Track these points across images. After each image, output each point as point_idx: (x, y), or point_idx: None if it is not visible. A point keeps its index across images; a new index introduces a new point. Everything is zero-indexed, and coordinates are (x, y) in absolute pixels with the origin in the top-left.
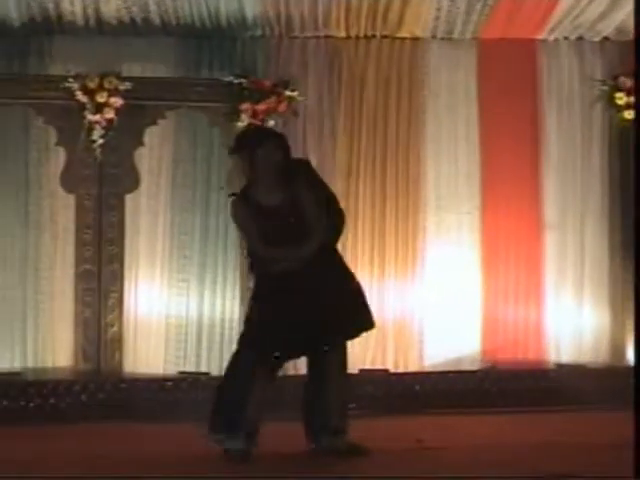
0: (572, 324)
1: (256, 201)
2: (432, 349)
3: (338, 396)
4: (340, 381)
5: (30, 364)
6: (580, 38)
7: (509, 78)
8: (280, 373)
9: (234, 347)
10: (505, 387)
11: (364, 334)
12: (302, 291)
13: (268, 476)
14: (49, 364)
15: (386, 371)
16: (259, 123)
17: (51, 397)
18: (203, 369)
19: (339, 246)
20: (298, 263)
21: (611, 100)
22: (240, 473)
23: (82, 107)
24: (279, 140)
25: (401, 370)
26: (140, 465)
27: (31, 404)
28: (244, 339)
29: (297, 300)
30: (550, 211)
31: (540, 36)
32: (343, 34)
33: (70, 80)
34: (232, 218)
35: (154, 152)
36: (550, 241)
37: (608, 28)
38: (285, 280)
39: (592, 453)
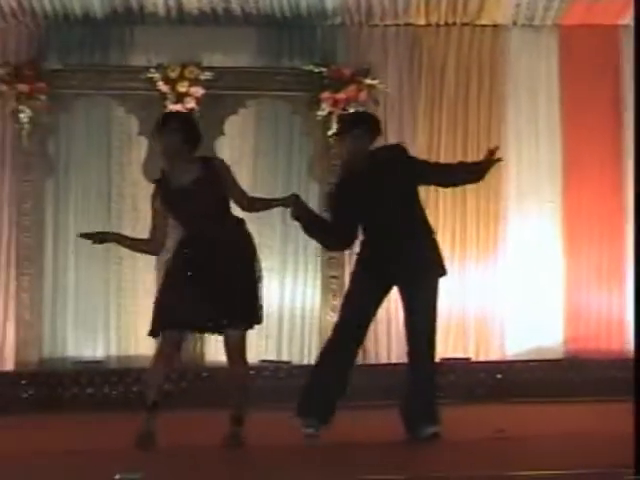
0: None
1: None
2: (514, 338)
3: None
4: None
5: (113, 352)
6: None
7: (591, 64)
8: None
9: (315, 336)
10: (588, 376)
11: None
12: None
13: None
14: (131, 352)
15: (468, 360)
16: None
17: (134, 385)
18: (284, 358)
19: None
20: None
21: None
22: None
23: (163, 97)
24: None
25: (482, 359)
26: (227, 453)
27: (114, 392)
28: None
29: None
30: (633, 198)
31: (622, 22)
32: (423, 22)
33: (151, 70)
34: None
35: (235, 141)
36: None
37: None
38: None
39: None
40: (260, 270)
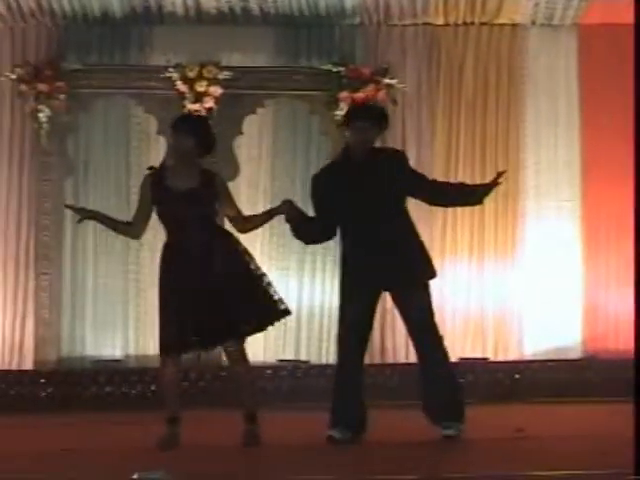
0: None
1: None
2: (532, 337)
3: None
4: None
5: (131, 351)
6: None
7: (611, 64)
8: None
9: (333, 336)
10: (606, 376)
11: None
12: None
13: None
14: (150, 351)
15: (486, 359)
16: None
17: (152, 384)
18: (302, 357)
19: None
20: None
21: None
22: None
23: (182, 96)
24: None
25: (501, 358)
26: (243, 453)
27: (133, 391)
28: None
29: None
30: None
31: None
32: (441, 21)
33: (170, 70)
34: None
35: (253, 141)
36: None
37: None
38: None
39: None
40: (259, 267)
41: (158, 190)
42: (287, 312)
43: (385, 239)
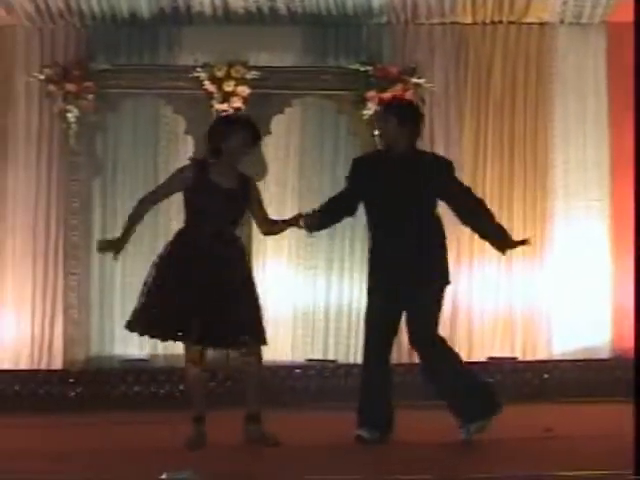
0: None
1: None
2: (561, 337)
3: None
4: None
5: (160, 351)
6: None
7: None
8: None
9: (361, 335)
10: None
11: None
12: None
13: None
14: (178, 351)
15: (514, 359)
16: None
17: (180, 384)
18: (330, 357)
19: None
20: None
21: None
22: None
23: (210, 96)
24: None
25: (529, 358)
26: (269, 452)
27: (161, 390)
28: None
29: None
30: None
31: None
32: (469, 20)
33: (198, 70)
34: None
35: (281, 140)
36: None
37: None
38: None
39: None
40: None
41: (200, 181)
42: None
43: (409, 239)
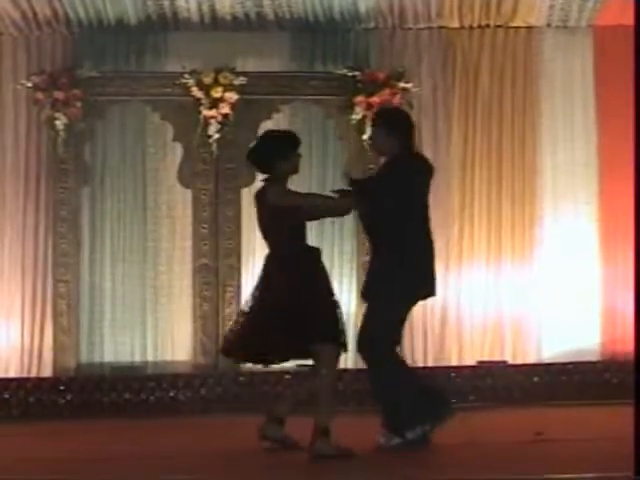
0: None
1: None
2: (550, 340)
3: None
4: None
5: (150, 358)
6: None
7: (627, 66)
8: None
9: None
10: (625, 379)
11: None
12: None
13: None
14: (168, 358)
15: (504, 363)
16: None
17: (171, 391)
18: None
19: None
20: None
21: None
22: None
23: (198, 102)
24: None
25: (519, 362)
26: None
27: (151, 397)
28: None
29: None
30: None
31: None
32: (456, 24)
33: (186, 76)
34: None
35: None
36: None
37: None
38: None
39: None
40: None
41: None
42: None
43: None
